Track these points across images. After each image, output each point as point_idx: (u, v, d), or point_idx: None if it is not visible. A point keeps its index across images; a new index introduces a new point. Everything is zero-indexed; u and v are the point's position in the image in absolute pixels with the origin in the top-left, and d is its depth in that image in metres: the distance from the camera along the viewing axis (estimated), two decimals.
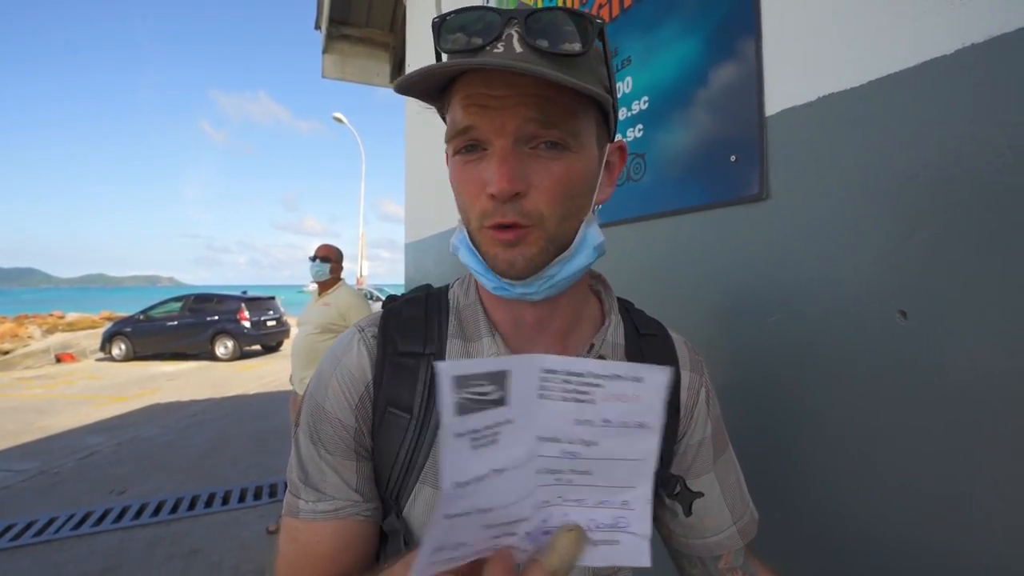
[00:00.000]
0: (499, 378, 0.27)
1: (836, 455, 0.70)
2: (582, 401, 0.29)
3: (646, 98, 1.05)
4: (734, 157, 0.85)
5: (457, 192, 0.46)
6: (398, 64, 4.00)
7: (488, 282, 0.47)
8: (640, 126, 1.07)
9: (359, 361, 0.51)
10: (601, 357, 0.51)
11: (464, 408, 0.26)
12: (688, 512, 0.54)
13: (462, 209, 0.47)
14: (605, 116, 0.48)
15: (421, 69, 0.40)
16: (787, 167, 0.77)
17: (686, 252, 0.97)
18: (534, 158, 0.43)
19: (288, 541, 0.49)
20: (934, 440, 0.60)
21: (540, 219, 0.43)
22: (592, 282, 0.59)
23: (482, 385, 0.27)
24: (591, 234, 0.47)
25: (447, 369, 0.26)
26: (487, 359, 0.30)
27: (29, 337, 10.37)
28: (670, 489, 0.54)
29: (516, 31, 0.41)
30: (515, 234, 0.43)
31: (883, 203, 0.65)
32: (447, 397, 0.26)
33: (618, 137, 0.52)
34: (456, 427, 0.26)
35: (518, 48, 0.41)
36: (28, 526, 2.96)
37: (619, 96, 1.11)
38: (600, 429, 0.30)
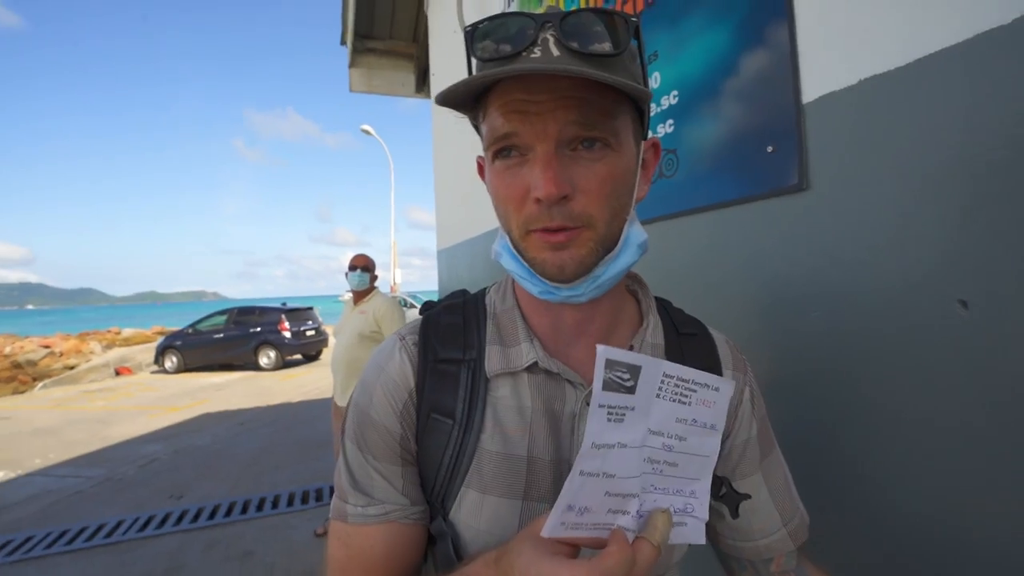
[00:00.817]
0: (635, 371, 0.33)
1: (893, 454, 0.67)
2: (684, 403, 0.35)
3: (675, 92, 1.03)
4: (771, 147, 0.83)
5: (499, 199, 0.46)
6: (422, 74, 4.06)
7: (533, 287, 0.47)
8: (671, 121, 1.05)
9: (401, 368, 0.52)
10: None
11: (609, 385, 0.32)
12: (735, 514, 0.53)
13: (504, 216, 0.47)
14: (640, 113, 0.47)
15: (464, 80, 0.40)
16: (828, 155, 0.75)
17: (724, 247, 0.94)
18: (576, 161, 0.42)
19: (338, 546, 0.50)
20: (1004, 437, 0.56)
21: (590, 221, 0.43)
22: (628, 282, 0.58)
23: (624, 371, 0.32)
24: (634, 233, 0.47)
25: (604, 352, 0.31)
26: (633, 353, 0.33)
27: (91, 352, 11.07)
28: (716, 490, 0.53)
29: (552, 35, 0.41)
30: (566, 236, 0.43)
31: (936, 188, 0.61)
32: (600, 372, 0.31)
33: (651, 134, 0.52)
34: (601, 399, 0.32)
35: (555, 51, 0.41)
36: (99, 528, 3.17)
37: None
38: (690, 427, 0.36)
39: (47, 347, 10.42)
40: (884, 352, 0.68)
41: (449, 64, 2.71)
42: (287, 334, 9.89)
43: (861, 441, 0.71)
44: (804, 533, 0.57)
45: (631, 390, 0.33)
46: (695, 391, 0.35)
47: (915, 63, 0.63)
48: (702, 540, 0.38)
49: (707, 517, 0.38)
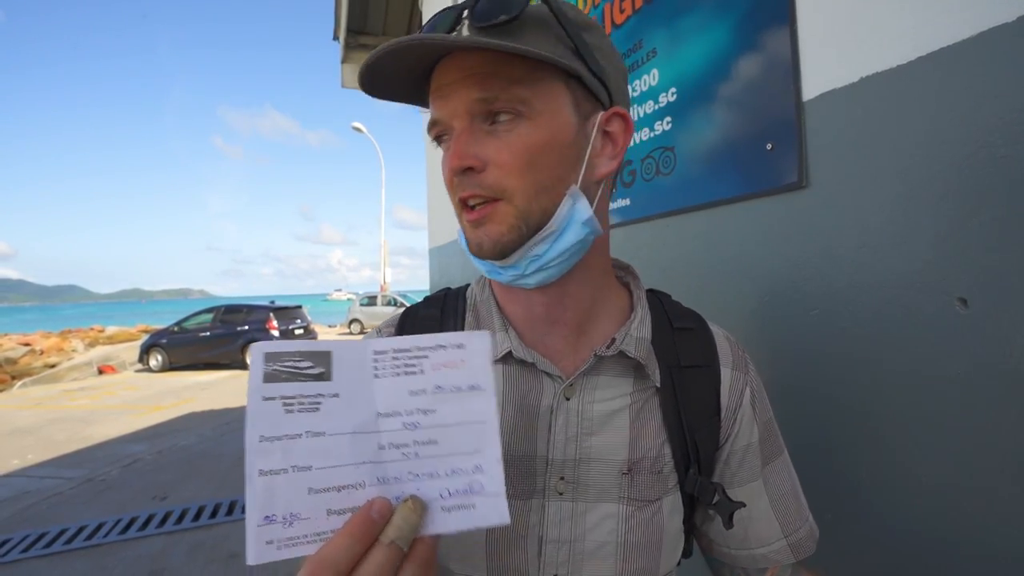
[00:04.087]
0: (320, 357, 0.31)
1: (890, 457, 0.67)
2: (412, 374, 0.32)
3: (674, 90, 1.03)
4: (770, 145, 0.82)
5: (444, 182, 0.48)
6: None
7: (481, 266, 0.48)
8: (668, 119, 1.04)
9: None
10: (623, 353, 0.49)
11: (272, 377, 0.30)
12: (728, 523, 0.50)
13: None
14: (583, 83, 0.45)
15: (367, 63, 0.42)
16: (828, 153, 0.74)
17: (721, 246, 0.94)
18: (492, 135, 0.43)
19: None
20: (1004, 437, 0.56)
21: (505, 194, 0.43)
22: (621, 273, 0.57)
23: (297, 360, 0.31)
24: (578, 209, 0.45)
25: (259, 346, 0.31)
26: (306, 341, 0.32)
27: (73, 351, 10.84)
28: (708, 498, 0.50)
29: (467, 19, 0.43)
30: (480, 212, 0.44)
31: (937, 186, 0.61)
32: (255, 367, 0.30)
33: (633, 108, 0.52)
34: (265, 392, 0.30)
35: (466, 33, 0.43)
36: (79, 531, 3.09)
37: (646, 89, 1.09)
38: (433, 396, 0.33)
39: (27, 345, 10.17)
40: (884, 350, 0.67)
41: None
42: (275, 332, 9.77)
43: (860, 440, 0.71)
44: (810, 546, 0.54)
45: (321, 377, 0.31)
46: (425, 357, 0.33)
47: (917, 61, 0.63)
48: (506, 519, 0.32)
49: (503, 491, 0.33)
